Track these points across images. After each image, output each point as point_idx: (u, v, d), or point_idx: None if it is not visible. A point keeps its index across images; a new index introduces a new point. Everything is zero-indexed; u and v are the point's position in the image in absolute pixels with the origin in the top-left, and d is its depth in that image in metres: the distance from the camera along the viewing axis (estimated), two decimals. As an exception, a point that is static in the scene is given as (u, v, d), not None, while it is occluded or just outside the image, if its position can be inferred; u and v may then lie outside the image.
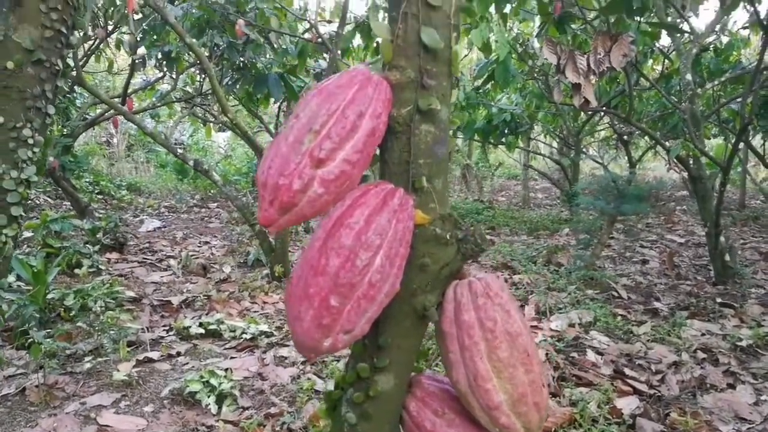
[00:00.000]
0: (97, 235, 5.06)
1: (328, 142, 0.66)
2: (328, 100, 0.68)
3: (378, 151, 0.76)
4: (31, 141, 1.51)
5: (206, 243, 5.91)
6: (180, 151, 4.82)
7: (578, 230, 6.06)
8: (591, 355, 2.99)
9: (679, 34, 4.91)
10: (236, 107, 7.68)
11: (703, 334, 3.31)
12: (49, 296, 3.49)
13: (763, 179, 10.40)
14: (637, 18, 4.12)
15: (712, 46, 5.85)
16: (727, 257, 4.38)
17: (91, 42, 6.07)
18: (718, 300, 3.89)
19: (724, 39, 6.19)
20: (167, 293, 4.16)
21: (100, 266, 4.52)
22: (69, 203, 6.26)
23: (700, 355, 3.01)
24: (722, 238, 4.33)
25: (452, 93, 0.76)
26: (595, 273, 4.44)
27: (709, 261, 4.63)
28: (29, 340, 2.92)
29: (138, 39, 5.61)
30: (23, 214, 1.49)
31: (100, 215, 5.87)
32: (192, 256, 5.05)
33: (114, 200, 8.22)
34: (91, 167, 8.91)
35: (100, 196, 8.10)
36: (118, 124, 6.99)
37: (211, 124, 8.27)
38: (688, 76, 4.60)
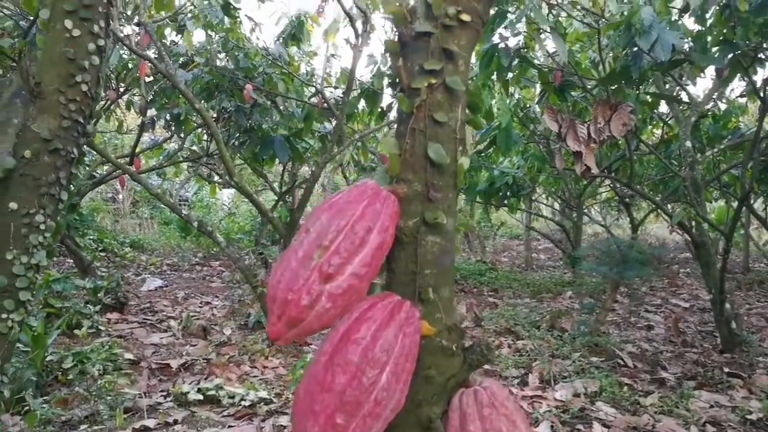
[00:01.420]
0: (99, 295, 5.05)
1: (337, 257, 0.68)
2: (337, 216, 0.70)
3: (385, 261, 0.77)
4: (42, 227, 1.53)
5: (207, 303, 5.87)
6: (185, 212, 4.87)
7: (582, 294, 6.02)
8: (597, 428, 2.92)
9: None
10: (241, 165, 7.79)
11: (711, 406, 3.24)
12: (48, 358, 3.45)
13: (766, 242, 10.39)
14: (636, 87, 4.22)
15: (710, 112, 5.96)
16: (733, 324, 4.33)
17: (102, 103, 6.21)
18: (726, 369, 3.83)
19: (722, 105, 6.32)
20: (166, 356, 4.11)
21: (99, 327, 4.49)
22: (72, 261, 6.26)
23: (710, 428, 2.94)
24: (727, 305, 4.30)
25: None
26: (599, 339, 4.39)
27: (715, 327, 4.58)
28: (25, 407, 2.87)
29: (148, 101, 5.74)
30: (31, 298, 1.50)
31: (103, 273, 5.87)
32: (192, 317, 5.01)
33: (117, 257, 8.23)
34: (95, 225, 8.96)
35: (103, 254, 8.11)
36: (124, 183, 7.07)
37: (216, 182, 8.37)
38: (688, 143, 4.67)
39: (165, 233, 10.43)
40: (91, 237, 8.21)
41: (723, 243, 4.23)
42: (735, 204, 5.57)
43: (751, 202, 6.72)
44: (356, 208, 0.71)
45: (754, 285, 7.39)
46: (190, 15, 5.35)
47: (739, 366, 3.95)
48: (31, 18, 4.57)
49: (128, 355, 3.91)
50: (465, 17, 0.74)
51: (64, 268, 6.79)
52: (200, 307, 5.71)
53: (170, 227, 10.44)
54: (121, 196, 11.78)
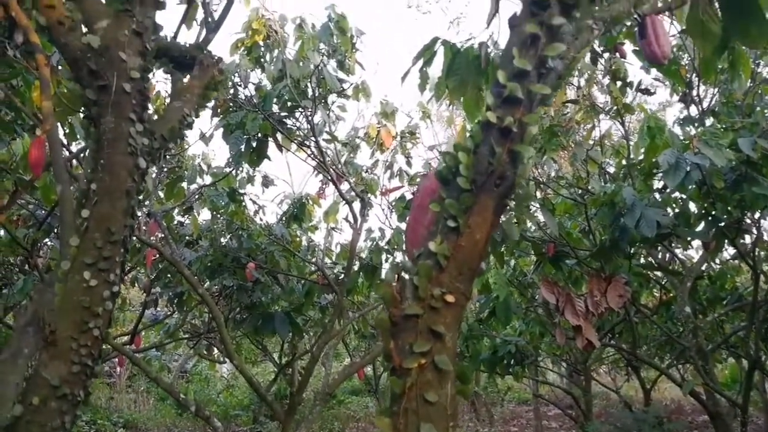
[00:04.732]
0: (86, 490, 4.75)
1: None
2: None
3: None
4: (44, 477, 1.51)
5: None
6: (182, 395, 4.75)
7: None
8: None
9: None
10: (241, 336, 7.71)
11: None
12: None
13: (785, 400, 9.97)
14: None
15: (705, 273, 6.02)
16: (766, 505, 4.04)
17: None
18: None
19: (717, 266, 6.40)
20: None
21: None
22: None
23: None
24: (756, 484, 4.04)
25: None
26: None
27: None
28: None
29: (152, 280, 5.85)
30: None
31: (93, 462, 5.58)
32: None
33: (109, 441, 7.86)
34: (90, 406, 8.67)
35: (95, 438, 7.76)
36: (123, 363, 6.97)
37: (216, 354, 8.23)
38: (687, 309, 4.67)
39: (161, 410, 10.04)
40: (84, 419, 7.90)
41: (740, 416, 4.08)
42: (745, 363, 5.44)
43: (763, 360, 6.54)
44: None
45: (782, 452, 6.98)
46: (197, 197, 5.64)
47: None
48: (46, 209, 4.81)
49: None
50: (449, 298, 0.81)
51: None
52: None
53: (166, 403, 10.08)
54: (118, 370, 11.56)
